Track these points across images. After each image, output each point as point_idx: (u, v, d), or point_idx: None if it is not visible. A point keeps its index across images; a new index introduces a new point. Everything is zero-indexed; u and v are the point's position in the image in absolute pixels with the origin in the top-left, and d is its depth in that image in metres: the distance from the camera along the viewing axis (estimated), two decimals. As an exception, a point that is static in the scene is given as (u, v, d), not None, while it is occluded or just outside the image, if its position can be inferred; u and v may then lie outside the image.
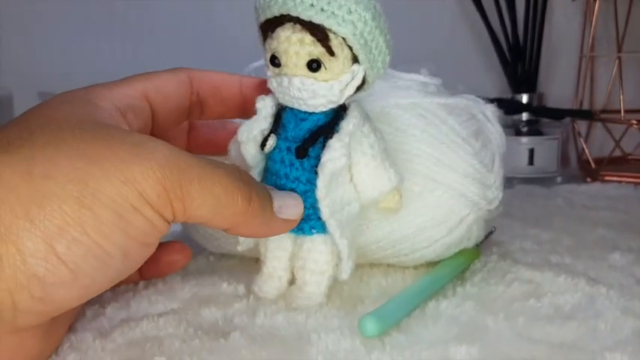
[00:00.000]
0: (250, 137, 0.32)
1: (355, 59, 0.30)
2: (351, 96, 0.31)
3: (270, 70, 0.31)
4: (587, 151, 0.78)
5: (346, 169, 0.33)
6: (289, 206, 0.31)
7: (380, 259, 0.40)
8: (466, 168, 0.38)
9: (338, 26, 0.29)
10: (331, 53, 0.30)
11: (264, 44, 0.31)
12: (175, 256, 0.37)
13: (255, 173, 0.33)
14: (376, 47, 0.31)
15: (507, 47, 0.78)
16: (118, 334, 0.31)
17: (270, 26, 0.30)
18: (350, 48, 0.30)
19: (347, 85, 0.31)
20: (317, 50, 0.29)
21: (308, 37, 0.29)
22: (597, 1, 0.76)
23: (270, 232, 0.32)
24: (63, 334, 0.30)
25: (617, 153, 0.81)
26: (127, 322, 0.32)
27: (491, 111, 0.42)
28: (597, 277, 0.37)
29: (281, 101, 0.32)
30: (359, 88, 0.31)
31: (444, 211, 0.38)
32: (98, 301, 0.35)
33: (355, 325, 0.30)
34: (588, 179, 0.76)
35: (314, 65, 0.30)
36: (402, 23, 0.84)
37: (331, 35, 0.29)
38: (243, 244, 0.35)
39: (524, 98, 0.77)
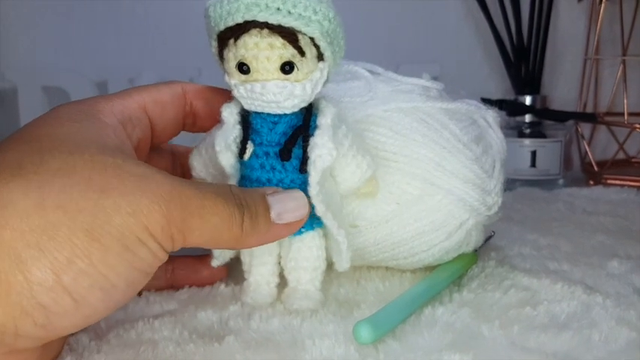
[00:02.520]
0: (227, 146, 0.32)
1: (320, 57, 0.31)
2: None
3: (235, 78, 0.31)
4: (590, 153, 0.78)
5: None
6: (290, 211, 0.31)
7: (378, 261, 0.40)
8: (466, 173, 0.38)
9: (306, 27, 0.29)
10: (302, 53, 0.30)
11: (219, 53, 0.31)
12: (216, 268, 0.38)
13: (234, 181, 0.33)
14: (337, 44, 0.31)
15: (511, 48, 0.78)
16: (113, 335, 0.31)
17: (231, 34, 0.30)
18: (316, 47, 0.30)
19: (316, 82, 0.31)
20: (288, 52, 0.30)
21: (279, 41, 0.29)
22: (603, 4, 0.76)
23: (272, 239, 0.32)
24: (60, 349, 0.30)
25: (621, 156, 0.81)
26: (122, 324, 0.32)
27: (492, 117, 0.42)
28: (594, 286, 0.37)
29: (248, 107, 0.32)
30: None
31: (443, 215, 0.38)
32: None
33: (350, 331, 0.30)
34: (591, 182, 0.76)
35: (287, 68, 0.30)
36: (406, 24, 0.84)
37: (299, 36, 0.30)
38: (219, 259, 0.36)
39: (528, 100, 0.77)
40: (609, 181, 0.74)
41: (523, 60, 0.78)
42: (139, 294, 0.37)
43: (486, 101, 0.69)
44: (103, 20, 0.80)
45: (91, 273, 0.24)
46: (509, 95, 0.80)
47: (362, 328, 0.29)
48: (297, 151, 0.32)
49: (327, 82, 0.32)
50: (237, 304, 0.35)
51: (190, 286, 0.38)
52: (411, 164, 0.37)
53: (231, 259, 0.36)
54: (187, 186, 0.27)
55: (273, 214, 0.30)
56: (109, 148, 0.28)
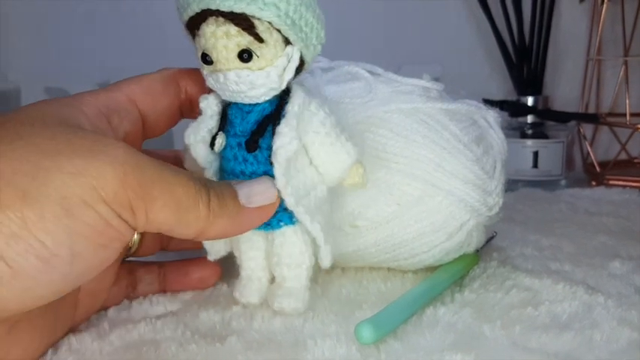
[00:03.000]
0: (198, 138, 0.32)
1: (287, 41, 0.30)
2: (293, 79, 0.31)
3: (205, 69, 0.31)
4: (592, 154, 0.78)
5: (303, 153, 0.32)
6: (258, 193, 0.30)
7: (379, 262, 0.40)
8: (467, 174, 0.38)
9: (260, 11, 0.28)
10: (260, 40, 0.29)
11: (194, 44, 0.31)
12: (206, 272, 0.37)
13: (210, 174, 0.32)
14: (306, 25, 0.30)
15: (513, 49, 0.78)
16: (116, 336, 0.31)
17: (194, 24, 0.29)
18: (278, 31, 0.29)
19: (284, 69, 0.30)
20: (245, 40, 0.29)
21: (233, 28, 0.28)
22: (605, 4, 0.76)
23: (246, 226, 0.31)
24: (31, 349, 0.29)
25: (623, 156, 0.81)
26: (125, 324, 0.32)
27: (493, 117, 0.41)
28: (596, 286, 0.37)
29: (223, 97, 0.31)
30: (299, 70, 0.31)
31: (443, 216, 0.38)
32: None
33: (352, 331, 0.30)
34: (593, 183, 0.75)
35: (245, 55, 0.29)
36: (408, 24, 0.84)
37: (256, 22, 0.28)
38: (213, 254, 0.35)
39: (530, 100, 0.77)
40: (611, 182, 0.74)
41: (525, 60, 0.78)
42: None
43: (488, 102, 0.70)
44: (105, 21, 0.80)
45: (25, 237, 0.23)
46: (511, 96, 0.80)
47: (364, 328, 0.29)
48: (268, 141, 0.31)
49: (306, 67, 0.31)
50: (240, 304, 0.35)
51: (185, 291, 0.38)
52: (411, 165, 0.37)
53: (235, 259, 0.36)
54: (148, 157, 0.26)
55: (241, 198, 0.29)
56: (68, 122, 0.27)
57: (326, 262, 0.33)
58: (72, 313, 0.32)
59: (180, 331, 0.32)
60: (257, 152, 0.31)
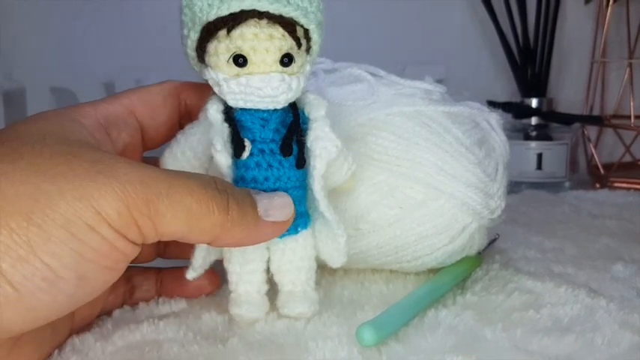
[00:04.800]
0: (223, 146, 0.30)
1: (307, 49, 0.30)
2: None
3: (226, 72, 0.30)
4: (596, 156, 0.77)
5: None
6: (277, 208, 0.30)
7: (382, 264, 0.40)
8: (469, 177, 0.38)
9: (305, 18, 0.29)
10: (299, 45, 0.29)
11: (203, 46, 0.30)
12: (202, 281, 0.36)
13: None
14: (322, 36, 0.31)
15: (518, 51, 0.78)
16: (119, 336, 0.31)
17: (223, 24, 0.28)
18: (306, 39, 0.30)
19: (307, 76, 0.31)
20: (287, 44, 0.29)
21: (278, 32, 0.29)
22: (610, 6, 0.75)
23: (259, 238, 0.30)
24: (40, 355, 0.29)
25: (627, 159, 0.81)
26: (128, 325, 0.33)
27: (495, 119, 0.41)
28: (599, 289, 0.37)
29: (235, 104, 0.30)
30: None
31: (446, 219, 0.38)
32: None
33: (354, 333, 0.30)
34: (597, 185, 0.75)
35: (286, 60, 0.29)
36: (413, 25, 0.84)
37: (297, 27, 0.29)
38: (197, 270, 0.33)
39: (534, 102, 0.76)
40: (615, 184, 0.74)
41: (529, 62, 0.77)
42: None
43: (492, 104, 0.70)
44: (110, 21, 0.80)
45: (32, 261, 0.23)
46: (516, 98, 0.79)
47: (365, 330, 0.29)
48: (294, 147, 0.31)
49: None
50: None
51: (181, 298, 0.37)
52: (413, 168, 0.37)
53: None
54: (152, 168, 0.26)
55: (260, 209, 0.29)
56: (69, 140, 0.27)
57: (343, 259, 0.34)
58: (69, 323, 0.32)
59: (183, 332, 0.32)
60: (282, 157, 0.31)
